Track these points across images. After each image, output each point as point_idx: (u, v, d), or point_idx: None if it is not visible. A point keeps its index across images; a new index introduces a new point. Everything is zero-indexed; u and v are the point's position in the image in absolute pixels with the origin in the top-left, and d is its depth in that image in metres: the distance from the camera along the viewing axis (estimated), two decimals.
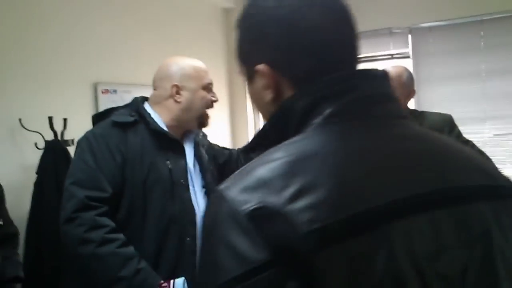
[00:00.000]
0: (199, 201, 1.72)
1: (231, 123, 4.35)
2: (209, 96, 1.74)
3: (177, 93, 1.68)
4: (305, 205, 0.53)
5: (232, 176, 0.61)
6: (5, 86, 2.54)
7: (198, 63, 1.75)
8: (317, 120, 0.63)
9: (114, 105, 1.82)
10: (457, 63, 3.80)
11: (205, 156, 1.83)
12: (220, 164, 1.94)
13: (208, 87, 1.74)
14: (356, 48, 0.72)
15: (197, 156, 1.78)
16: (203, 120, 1.77)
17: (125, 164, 1.58)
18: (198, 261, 0.60)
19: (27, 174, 2.54)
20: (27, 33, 2.64)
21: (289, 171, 0.56)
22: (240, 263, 0.52)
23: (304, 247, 0.51)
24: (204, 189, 1.76)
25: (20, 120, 2.52)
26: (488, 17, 3.63)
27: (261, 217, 0.53)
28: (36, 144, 2.56)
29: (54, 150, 2.51)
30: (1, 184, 2.16)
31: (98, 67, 3.03)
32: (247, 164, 0.62)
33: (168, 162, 1.65)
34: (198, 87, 1.71)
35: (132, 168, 1.59)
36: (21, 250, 2.27)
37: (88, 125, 2.90)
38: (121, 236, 1.52)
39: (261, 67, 0.69)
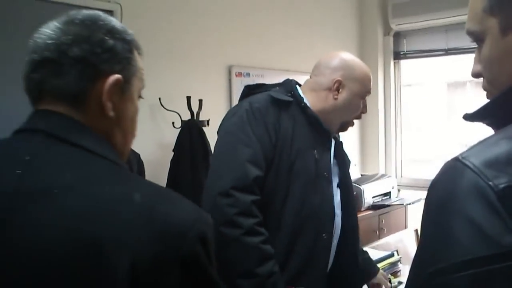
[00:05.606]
0: (335, 198, 1.61)
1: (361, 127, 4.13)
2: (361, 106, 1.63)
3: (337, 89, 1.57)
4: None
5: (470, 147, 0.56)
6: (148, 67, 2.60)
7: (368, 69, 1.65)
8: None
9: None
10: None
11: (346, 155, 1.73)
12: None
13: (365, 97, 1.63)
14: None
15: (338, 154, 1.67)
16: (346, 126, 1.66)
17: (276, 145, 1.48)
18: (422, 230, 0.58)
19: (164, 151, 2.61)
20: (170, 19, 2.73)
21: None
22: (486, 244, 0.48)
23: None
24: (338, 187, 1.65)
25: (159, 99, 2.60)
26: None
27: None
28: (173, 123, 2.63)
29: (190, 129, 2.54)
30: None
31: (233, 51, 3.05)
32: (488, 137, 0.57)
33: (316, 152, 1.54)
34: (358, 92, 1.59)
35: (281, 151, 1.48)
36: None
37: (222, 107, 2.97)
38: (265, 232, 1.43)
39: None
